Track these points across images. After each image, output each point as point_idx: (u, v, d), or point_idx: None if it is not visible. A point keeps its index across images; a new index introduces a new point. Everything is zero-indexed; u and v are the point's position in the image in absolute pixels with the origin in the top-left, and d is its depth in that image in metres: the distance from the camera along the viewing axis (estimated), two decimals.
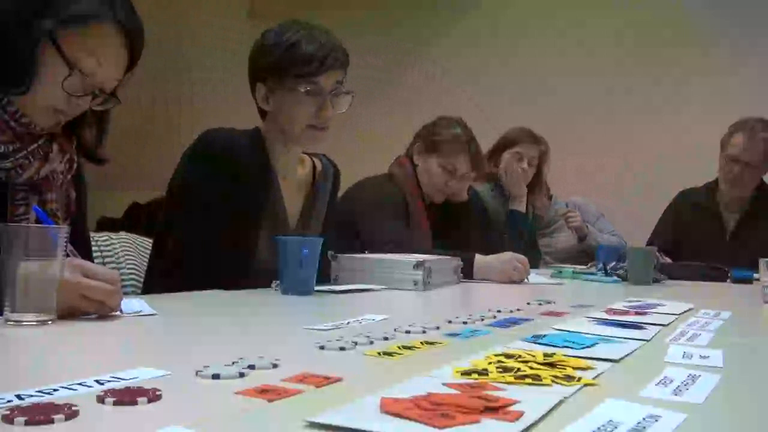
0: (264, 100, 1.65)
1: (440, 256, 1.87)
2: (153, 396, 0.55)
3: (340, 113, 1.66)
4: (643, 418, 0.54)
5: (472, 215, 2.58)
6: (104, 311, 1.00)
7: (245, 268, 1.53)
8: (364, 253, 1.85)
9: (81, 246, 1.30)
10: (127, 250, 1.78)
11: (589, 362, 0.74)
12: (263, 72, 1.63)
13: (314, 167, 1.82)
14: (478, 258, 2.06)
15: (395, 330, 0.95)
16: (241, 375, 0.64)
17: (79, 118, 1.23)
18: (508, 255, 2.08)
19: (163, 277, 1.57)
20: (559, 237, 3.27)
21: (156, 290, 1.51)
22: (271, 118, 1.67)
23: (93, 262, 1.40)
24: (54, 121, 1.18)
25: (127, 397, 0.54)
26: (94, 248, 1.70)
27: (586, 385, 0.65)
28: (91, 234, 1.76)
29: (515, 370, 0.68)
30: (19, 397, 0.54)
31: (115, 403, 0.54)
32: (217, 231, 1.53)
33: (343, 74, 1.64)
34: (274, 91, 1.62)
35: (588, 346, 0.85)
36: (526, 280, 2.03)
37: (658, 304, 1.41)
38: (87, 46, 1.13)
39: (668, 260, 2.62)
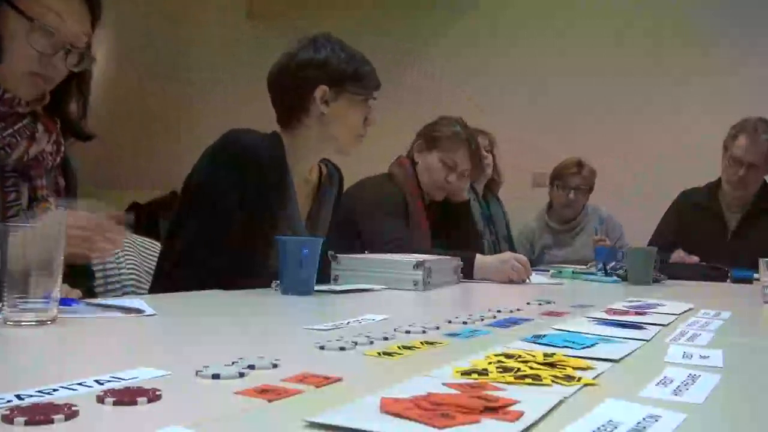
0: (323, 102, 1.68)
1: (440, 256, 1.87)
2: (153, 396, 0.55)
3: None
4: (643, 418, 0.54)
5: (470, 216, 2.58)
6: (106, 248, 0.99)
7: (254, 271, 1.52)
8: (364, 253, 1.85)
9: None
10: (127, 250, 1.77)
11: (589, 362, 0.74)
12: (336, 78, 1.68)
13: (320, 171, 1.83)
14: (478, 258, 2.06)
15: (395, 330, 0.95)
16: (241, 375, 0.64)
17: (62, 93, 1.24)
18: (507, 255, 2.09)
19: (170, 276, 1.56)
20: (585, 247, 3.28)
21: (161, 290, 1.51)
22: (318, 121, 1.69)
23: None
24: (35, 88, 1.19)
25: (126, 397, 0.54)
26: None
27: (586, 385, 0.65)
28: None
29: (515, 370, 0.68)
30: (19, 397, 0.54)
31: (115, 403, 0.53)
32: (227, 231, 1.53)
33: None
34: (338, 97, 1.69)
35: (588, 346, 0.85)
36: (527, 280, 2.03)
37: (658, 304, 1.41)
38: (43, 2, 1.14)
39: (695, 258, 2.64)
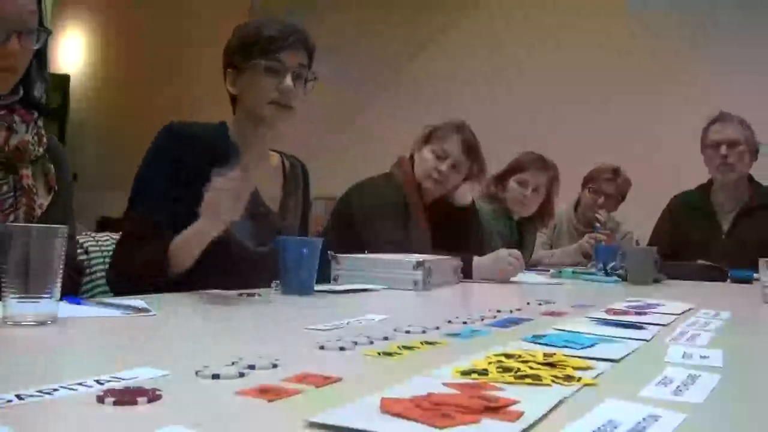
0: (232, 84, 1.66)
1: (440, 256, 1.87)
2: (153, 396, 0.55)
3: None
4: (643, 418, 0.54)
5: (473, 221, 2.57)
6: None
7: (216, 253, 1.44)
8: (364, 253, 1.85)
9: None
10: None
11: (589, 362, 0.74)
12: (232, 57, 1.65)
13: (283, 164, 1.81)
14: (475, 259, 2.06)
15: (395, 330, 0.95)
16: (241, 375, 0.64)
17: (27, 78, 1.25)
18: (502, 251, 2.09)
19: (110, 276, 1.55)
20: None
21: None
22: (240, 102, 1.68)
23: (75, 249, 1.43)
24: (4, 83, 1.19)
25: (127, 397, 0.54)
26: (94, 248, 1.70)
27: (586, 385, 0.65)
28: (91, 234, 1.77)
29: (515, 370, 0.68)
30: (19, 397, 0.54)
31: (115, 403, 0.54)
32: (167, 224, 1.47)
33: (307, 58, 1.66)
34: (242, 72, 1.64)
35: (588, 346, 0.85)
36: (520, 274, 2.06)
37: (658, 304, 1.41)
38: None
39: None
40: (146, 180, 1.56)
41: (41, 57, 1.29)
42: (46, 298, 0.91)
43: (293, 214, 1.77)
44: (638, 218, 3.41)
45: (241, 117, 1.68)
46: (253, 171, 1.58)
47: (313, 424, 0.50)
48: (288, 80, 1.60)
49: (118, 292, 1.46)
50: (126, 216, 1.54)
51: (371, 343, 0.84)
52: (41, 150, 1.29)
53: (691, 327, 1.09)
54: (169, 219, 1.46)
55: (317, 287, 1.48)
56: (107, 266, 1.67)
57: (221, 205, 1.29)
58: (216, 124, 1.68)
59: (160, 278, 1.39)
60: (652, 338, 0.97)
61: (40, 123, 1.30)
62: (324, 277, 1.65)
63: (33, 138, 1.26)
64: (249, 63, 1.61)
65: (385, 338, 0.88)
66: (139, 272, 1.42)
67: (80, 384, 0.59)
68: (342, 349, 0.80)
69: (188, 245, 1.39)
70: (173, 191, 1.50)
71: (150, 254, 1.41)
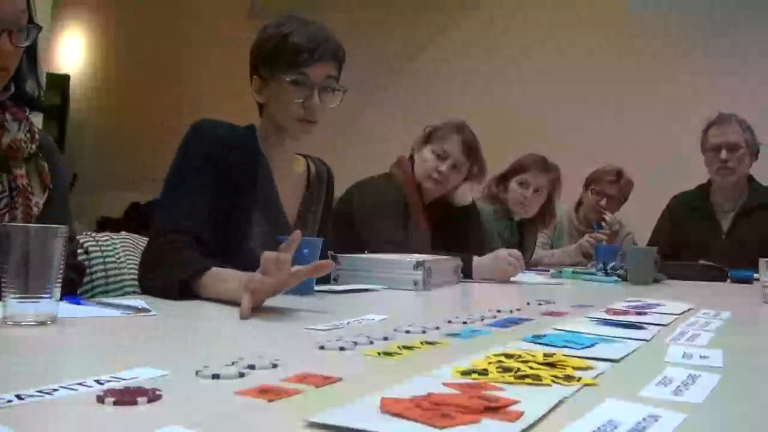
0: (258, 92, 1.64)
1: (440, 256, 1.87)
2: (153, 396, 0.55)
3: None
4: (643, 418, 0.54)
5: (473, 221, 2.56)
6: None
7: (232, 261, 1.43)
8: (364, 253, 1.85)
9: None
10: (128, 250, 1.78)
11: (589, 362, 0.74)
12: (258, 63, 1.61)
13: (308, 169, 1.80)
14: (475, 259, 2.06)
15: (395, 330, 0.95)
16: (241, 375, 0.64)
17: (18, 74, 1.25)
18: (502, 251, 2.09)
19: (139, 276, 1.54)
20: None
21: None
22: (265, 110, 1.66)
23: (73, 242, 1.43)
24: None
25: (127, 397, 0.54)
26: (94, 248, 1.70)
27: (586, 385, 0.65)
28: (91, 234, 1.77)
29: (515, 370, 0.68)
30: (19, 397, 0.54)
31: (115, 403, 0.54)
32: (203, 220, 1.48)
33: (336, 69, 1.60)
34: (268, 82, 1.60)
35: (588, 346, 0.85)
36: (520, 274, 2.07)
37: (658, 304, 1.41)
38: None
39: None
40: (177, 182, 1.51)
41: (32, 52, 1.29)
42: (46, 298, 0.91)
43: (312, 225, 1.75)
44: (638, 218, 3.41)
45: (266, 124, 1.65)
46: (277, 176, 1.64)
47: (313, 424, 0.50)
48: (315, 97, 1.55)
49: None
50: (155, 218, 1.50)
51: (371, 343, 0.84)
52: (34, 147, 1.28)
53: (691, 327, 1.09)
54: (200, 222, 1.46)
55: (317, 287, 1.47)
56: (107, 266, 1.67)
57: (263, 293, 1.16)
58: (245, 128, 1.65)
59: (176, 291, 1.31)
60: (652, 338, 0.97)
61: (33, 120, 1.30)
62: (324, 277, 1.64)
63: (25, 135, 1.25)
64: (275, 75, 1.57)
65: (385, 338, 0.88)
66: (161, 281, 1.34)
67: (80, 384, 0.59)
68: (342, 349, 0.80)
69: (214, 291, 1.27)
70: (205, 194, 1.49)
71: (176, 268, 1.33)
